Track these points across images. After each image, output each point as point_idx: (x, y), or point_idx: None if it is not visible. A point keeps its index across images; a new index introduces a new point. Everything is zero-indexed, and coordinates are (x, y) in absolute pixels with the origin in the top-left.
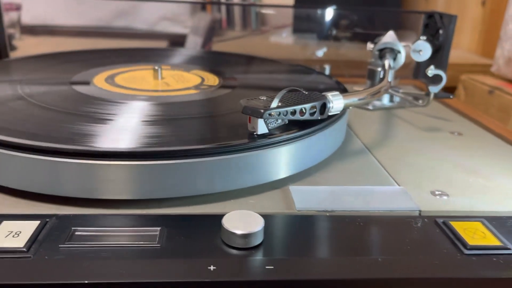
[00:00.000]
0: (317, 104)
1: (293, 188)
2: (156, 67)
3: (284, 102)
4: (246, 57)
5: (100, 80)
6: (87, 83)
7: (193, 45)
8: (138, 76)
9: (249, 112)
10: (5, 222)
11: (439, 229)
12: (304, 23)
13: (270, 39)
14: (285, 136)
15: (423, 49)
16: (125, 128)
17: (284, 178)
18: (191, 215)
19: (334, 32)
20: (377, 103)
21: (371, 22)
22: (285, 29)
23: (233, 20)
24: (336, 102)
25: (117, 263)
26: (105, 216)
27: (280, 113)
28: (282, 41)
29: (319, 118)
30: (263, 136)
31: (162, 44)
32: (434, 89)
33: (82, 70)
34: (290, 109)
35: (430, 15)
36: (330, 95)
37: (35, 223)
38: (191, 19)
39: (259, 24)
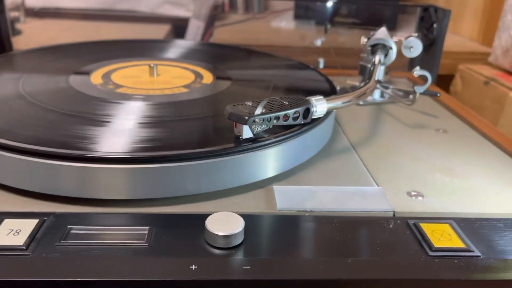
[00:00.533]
0: (300, 109)
1: (276, 188)
2: (152, 65)
3: (268, 108)
4: (241, 50)
5: (97, 77)
6: (85, 81)
7: (195, 29)
8: (134, 73)
9: (234, 118)
10: (6, 221)
11: (409, 230)
12: (305, 11)
13: (271, 24)
14: (269, 140)
15: (414, 46)
16: (118, 131)
17: (269, 178)
18: (179, 215)
19: (332, 23)
20: (368, 98)
21: (369, 13)
22: (286, 14)
23: (236, 3)
24: (319, 107)
25: (108, 262)
26: (99, 215)
27: (264, 119)
28: (283, 26)
29: (302, 122)
30: (249, 140)
31: (165, 27)
32: (419, 89)
33: (81, 66)
34: (273, 115)
35: (426, 8)
36: (314, 99)
37: (34, 222)
38: (194, 2)
39: (262, 7)
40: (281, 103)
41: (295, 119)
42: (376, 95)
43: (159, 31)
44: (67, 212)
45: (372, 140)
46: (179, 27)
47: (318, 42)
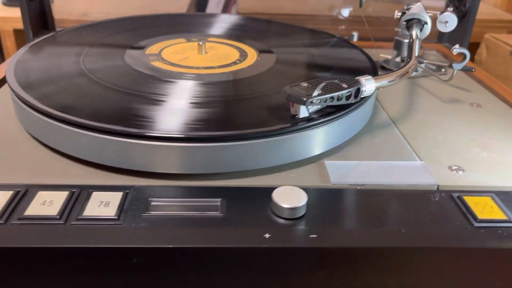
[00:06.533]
0: (352, 89)
1: (328, 163)
2: (200, 43)
3: (323, 89)
4: (280, 25)
5: (151, 53)
6: (139, 59)
7: None
8: (183, 50)
9: (293, 99)
10: (94, 193)
11: (454, 203)
12: None
13: None
14: (323, 119)
15: (449, 21)
16: (186, 111)
17: (319, 153)
18: (244, 187)
19: None
20: None
21: None
22: None
23: None
24: (368, 86)
25: (190, 230)
26: (174, 188)
27: (320, 100)
28: None
29: (353, 101)
30: (304, 119)
31: None
32: (457, 66)
33: (133, 42)
34: (329, 96)
35: None
36: (363, 79)
37: (119, 194)
38: None
39: None
40: (336, 85)
41: (347, 98)
42: None
43: (182, 1)
44: (144, 186)
45: (410, 115)
46: None
47: (346, 13)
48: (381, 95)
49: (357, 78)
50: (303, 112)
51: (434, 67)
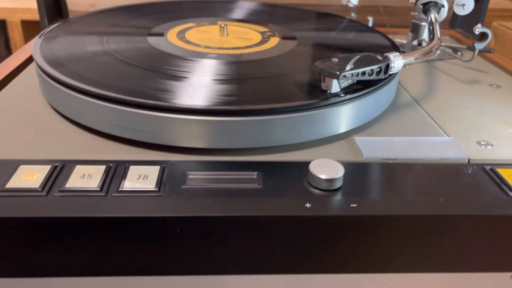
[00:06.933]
0: (382, 65)
1: (358, 139)
2: (222, 24)
3: (355, 64)
4: (299, 11)
5: (172, 36)
6: (162, 40)
7: None
8: (206, 32)
9: (326, 74)
10: (132, 167)
11: (487, 175)
12: None
13: None
14: (354, 94)
15: (466, 3)
16: (216, 87)
17: (348, 131)
18: (277, 162)
19: None
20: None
21: None
22: None
23: None
24: (397, 62)
25: (231, 200)
26: (208, 162)
27: (352, 74)
28: None
29: (382, 77)
30: (336, 94)
31: None
32: (479, 45)
33: (155, 25)
34: (360, 70)
35: None
36: (392, 56)
37: (156, 168)
38: None
39: None
40: (367, 60)
41: (377, 73)
42: None
43: None
44: (179, 161)
45: (432, 95)
46: None
47: (355, 1)
48: (402, 78)
49: (385, 54)
50: (335, 87)
51: (450, 50)
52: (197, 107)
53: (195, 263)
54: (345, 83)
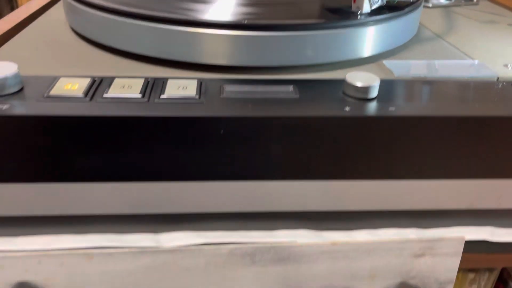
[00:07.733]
0: None
1: (387, 62)
2: None
3: None
4: None
5: None
6: None
7: None
8: None
9: None
10: (171, 80)
11: None
12: None
13: None
14: (382, 15)
15: None
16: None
17: (375, 56)
18: (312, 80)
19: None
20: (434, 0)
21: None
22: None
23: None
24: None
25: (271, 105)
26: (243, 80)
27: None
28: None
29: (411, 0)
30: (366, 14)
31: None
32: None
33: None
34: None
35: None
36: None
37: (194, 81)
38: None
39: None
40: None
41: None
42: None
43: None
44: (215, 78)
45: (453, 31)
46: None
47: None
48: (423, 20)
49: None
50: (366, 6)
51: None
52: (232, 22)
53: (235, 169)
54: (375, 4)
